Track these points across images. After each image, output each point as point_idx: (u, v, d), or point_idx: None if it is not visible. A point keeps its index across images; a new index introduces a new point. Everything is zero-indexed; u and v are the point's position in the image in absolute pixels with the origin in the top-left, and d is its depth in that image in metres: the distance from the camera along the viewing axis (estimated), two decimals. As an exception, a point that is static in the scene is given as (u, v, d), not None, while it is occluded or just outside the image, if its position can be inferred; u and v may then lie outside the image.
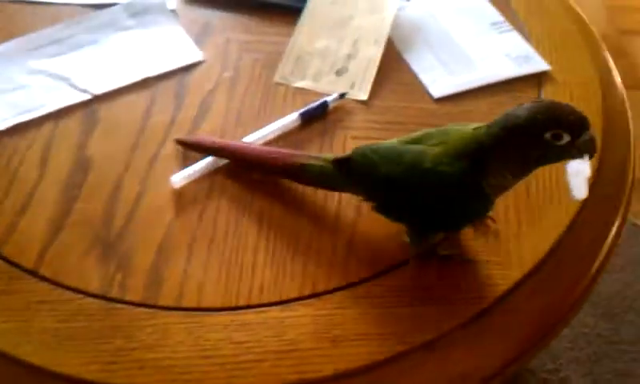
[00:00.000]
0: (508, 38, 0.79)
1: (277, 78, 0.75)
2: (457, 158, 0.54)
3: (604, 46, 0.82)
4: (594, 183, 0.67)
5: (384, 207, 0.59)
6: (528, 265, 0.60)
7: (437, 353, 0.55)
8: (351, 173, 0.59)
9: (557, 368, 1.24)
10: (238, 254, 0.60)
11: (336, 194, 0.64)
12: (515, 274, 0.59)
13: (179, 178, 0.65)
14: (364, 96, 0.73)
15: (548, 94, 0.74)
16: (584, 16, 0.86)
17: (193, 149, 0.67)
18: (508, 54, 0.78)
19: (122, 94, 0.74)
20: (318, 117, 0.71)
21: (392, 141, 0.59)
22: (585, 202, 0.65)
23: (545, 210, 0.64)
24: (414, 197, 0.56)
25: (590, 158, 0.52)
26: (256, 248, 0.61)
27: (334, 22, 0.79)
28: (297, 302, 0.57)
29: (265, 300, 0.57)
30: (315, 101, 0.72)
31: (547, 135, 0.51)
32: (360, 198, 0.61)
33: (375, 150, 0.58)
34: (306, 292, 0.58)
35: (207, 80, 0.75)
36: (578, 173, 0.67)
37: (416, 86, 0.75)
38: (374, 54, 0.76)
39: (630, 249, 1.40)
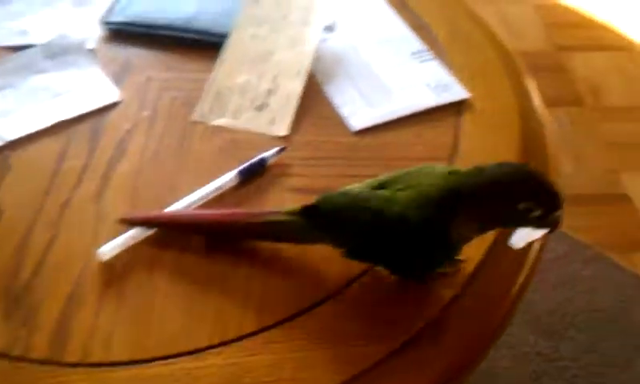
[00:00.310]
0: (428, 68, 0.80)
1: (195, 117, 0.74)
2: (426, 205, 0.54)
3: (526, 73, 0.83)
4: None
5: (354, 252, 0.58)
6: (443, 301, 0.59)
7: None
8: (318, 221, 0.58)
9: (498, 389, 1.25)
10: (149, 304, 0.58)
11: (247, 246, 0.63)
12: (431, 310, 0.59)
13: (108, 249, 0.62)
14: (283, 132, 0.73)
15: (467, 122, 0.75)
16: (506, 45, 0.87)
17: (141, 225, 0.63)
18: (428, 84, 0.78)
19: (36, 138, 0.72)
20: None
21: (359, 185, 0.58)
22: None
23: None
24: (382, 243, 0.56)
25: (551, 232, 0.53)
26: (167, 296, 0.59)
27: (254, 57, 0.79)
28: (207, 351, 0.56)
29: (174, 350, 0.55)
30: (234, 140, 0.71)
31: (521, 206, 0.51)
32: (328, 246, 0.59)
33: (344, 194, 0.58)
34: (216, 340, 0.56)
35: (124, 120, 0.74)
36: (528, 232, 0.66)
37: (336, 119, 0.75)
38: (294, 88, 0.76)
39: (569, 265, 1.42)
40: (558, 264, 1.41)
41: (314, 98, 0.77)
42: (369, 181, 0.58)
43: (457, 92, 0.77)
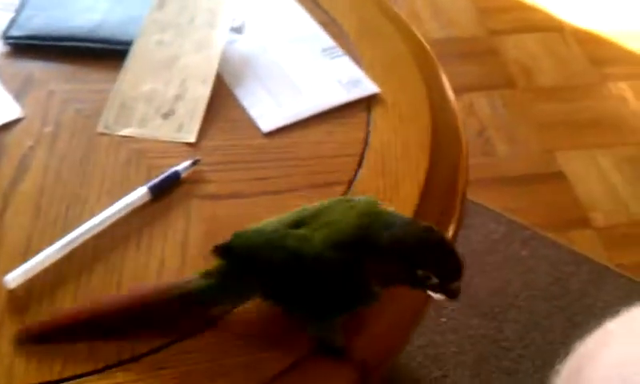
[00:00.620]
0: (339, 64, 0.79)
1: (100, 128, 0.72)
2: (339, 248, 0.53)
3: (438, 64, 0.83)
4: (425, 195, 0.67)
5: (268, 294, 0.56)
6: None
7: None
8: (233, 261, 0.56)
9: (444, 374, 1.26)
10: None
11: (151, 245, 0.62)
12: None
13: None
14: (192, 138, 0.72)
15: (377, 116, 0.75)
16: (419, 35, 0.86)
17: (41, 339, 0.56)
18: (339, 80, 0.78)
19: None
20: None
21: (274, 222, 0.56)
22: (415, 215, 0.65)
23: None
24: (299, 284, 0.54)
25: (451, 298, 0.52)
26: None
27: (160, 64, 0.77)
28: (116, 368, 0.55)
29: (80, 370, 0.54)
30: (142, 150, 0.70)
31: (419, 272, 0.50)
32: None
33: (258, 233, 0.56)
34: (126, 356, 0.55)
35: (26, 137, 0.72)
36: None
37: (245, 122, 0.74)
38: (202, 93, 0.75)
39: (508, 247, 1.43)
40: (497, 246, 1.43)
41: (223, 102, 0.76)
42: (283, 217, 0.56)
43: (367, 87, 0.77)
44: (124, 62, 0.78)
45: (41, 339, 0.56)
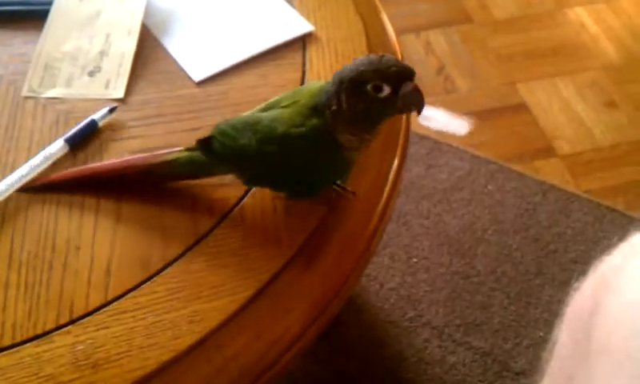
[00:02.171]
0: (270, 5, 0.77)
1: (24, 92, 0.69)
2: (307, 116, 0.54)
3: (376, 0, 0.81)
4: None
5: (252, 179, 0.58)
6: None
7: (212, 347, 0.53)
8: (214, 151, 0.57)
9: (419, 314, 1.25)
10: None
11: (91, 213, 0.60)
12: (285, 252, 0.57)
13: None
14: (120, 94, 0.69)
15: (312, 54, 0.72)
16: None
17: (45, 188, 0.62)
18: (271, 21, 0.75)
19: None
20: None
21: (248, 112, 0.58)
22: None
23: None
24: (275, 163, 0.55)
25: (418, 111, 0.52)
26: (6, 284, 0.56)
27: (82, 21, 0.74)
28: (54, 333, 0.53)
29: (18, 338, 0.53)
30: (69, 110, 0.67)
31: (368, 87, 0.51)
32: (232, 177, 0.59)
33: (233, 125, 0.57)
34: (63, 320, 0.54)
35: (-52, 107, 0.69)
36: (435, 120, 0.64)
37: (176, 73, 0.71)
38: (127, 46, 0.72)
39: (474, 182, 1.42)
40: (463, 183, 1.42)
41: (151, 54, 0.73)
42: (258, 106, 0.58)
43: (300, 26, 0.74)
44: (45, 22, 0.75)
45: (42, 189, 0.62)
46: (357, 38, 0.74)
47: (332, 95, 0.53)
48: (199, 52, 0.72)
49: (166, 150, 0.61)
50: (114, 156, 0.64)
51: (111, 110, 0.67)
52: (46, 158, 0.63)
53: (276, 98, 0.57)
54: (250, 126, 0.56)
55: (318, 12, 0.76)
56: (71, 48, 0.72)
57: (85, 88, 0.69)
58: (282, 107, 0.56)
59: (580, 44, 1.66)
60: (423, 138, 1.47)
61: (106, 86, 0.69)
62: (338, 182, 0.61)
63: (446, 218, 1.37)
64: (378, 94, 0.51)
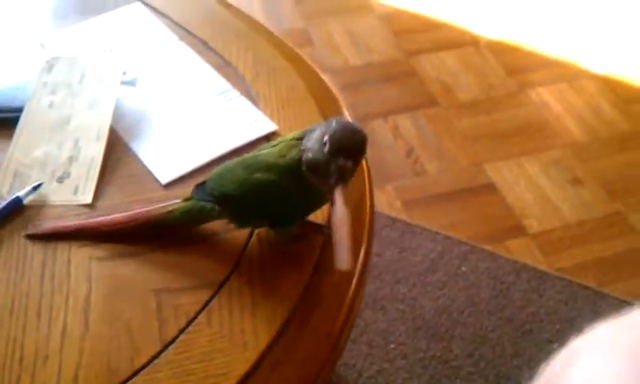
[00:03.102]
0: (235, 105, 0.79)
1: (-5, 201, 0.70)
2: (291, 147, 0.60)
3: (334, 92, 0.83)
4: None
5: (241, 214, 0.64)
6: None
7: None
8: (208, 195, 0.64)
9: (397, 401, 1.24)
10: None
11: (59, 319, 0.60)
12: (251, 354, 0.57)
13: None
14: (88, 199, 0.70)
15: (278, 154, 0.74)
16: (314, 66, 0.86)
17: (49, 238, 0.66)
18: (236, 122, 0.77)
19: None
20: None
21: (233, 164, 0.65)
22: (323, 249, 0.65)
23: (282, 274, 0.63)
24: (261, 189, 0.61)
25: (343, 182, 0.56)
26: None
27: (52, 126, 0.76)
28: None
29: None
30: (36, 216, 0.68)
31: (325, 139, 0.57)
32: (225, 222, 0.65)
33: (226, 166, 0.64)
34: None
35: None
36: (339, 243, 0.65)
37: (144, 176, 0.73)
38: (95, 151, 0.73)
39: (447, 264, 1.43)
40: (437, 265, 1.43)
41: (120, 158, 0.74)
42: (240, 160, 0.64)
43: (264, 126, 0.76)
44: (15, 128, 0.76)
45: (46, 237, 0.67)
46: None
47: (310, 140, 0.59)
48: (166, 154, 0.74)
49: (163, 203, 0.66)
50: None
51: (35, 188, 0.69)
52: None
53: (253, 155, 0.64)
54: (242, 161, 0.63)
55: (282, 111, 0.78)
56: (41, 154, 0.73)
57: (54, 194, 0.70)
58: (272, 147, 0.62)
59: (543, 123, 1.71)
60: (395, 220, 1.49)
61: (75, 192, 0.70)
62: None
63: (422, 301, 1.38)
64: (323, 149, 0.57)
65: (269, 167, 0.61)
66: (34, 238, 0.67)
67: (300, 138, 0.61)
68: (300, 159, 0.59)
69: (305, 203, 0.63)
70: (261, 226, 0.66)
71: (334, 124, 0.58)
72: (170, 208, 0.66)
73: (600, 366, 0.29)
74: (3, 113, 0.78)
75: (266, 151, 0.63)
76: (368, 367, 1.27)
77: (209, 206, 0.64)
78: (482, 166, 1.60)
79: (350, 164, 0.56)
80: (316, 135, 0.58)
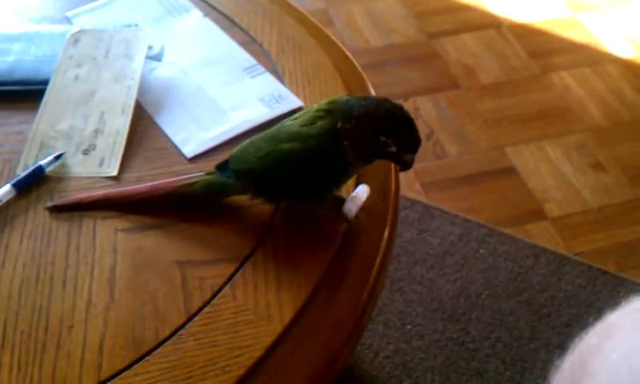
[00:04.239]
0: (260, 81, 0.79)
1: (20, 170, 0.70)
2: (319, 117, 0.60)
3: (360, 70, 0.83)
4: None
5: (269, 195, 0.64)
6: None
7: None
8: (231, 172, 0.64)
9: (414, 382, 1.24)
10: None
11: (84, 290, 0.60)
12: (276, 326, 0.57)
13: None
14: (114, 171, 0.70)
15: (303, 130, 0.74)
16: (339, 44, 0.86)
17: (73, 209, 0.67)
18: (261, 98, 0.77)
19: None
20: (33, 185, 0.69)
21: (256, 140, 0.64)
22: (350, 227, 0.65)
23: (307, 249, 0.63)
24: (286, 157, 0.61)
25: (403, 169, 0.60)
26: (-4, 365, 0.56)
27: (77, 99, 0.76)
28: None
29: None
30: (63, 188, 0.68)
31: (382, 138, 0.57)
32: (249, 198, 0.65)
33: (250, 141, 0.64)
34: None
35: (-57, 187, 0.70)
36: (355, 197, 0.66)
37: (169, 150, 0.73)
38: (121, 124, 0.73)
39: (466, 246, 1.43)
40: (455, 247, 1.42)
41: (145, 132, 0.75)
42: (265, 134, 0.64)
43: (290, 101, 0.76)
44: (41, 101, 0.76)
45: (71, 208, 0.67)
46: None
47: (352, 118, 0.59)
48: (191, 128, 0.74)
49: (187, 175, 0.66)
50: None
51: (57, 157, 0.70)
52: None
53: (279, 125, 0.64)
54: (264, 135, 0.63)
55: (307, 88, 0.78)
56: (66, 127, 0.73)
57: (80, 166, 0.70)
58: (294, 119, 0.63)
59: (566, 107, 1.69)
60: (414, 202, 1.48)
61: (100, 164, 0.70)
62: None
63: (440, 283, 1.37)
64: (387, 148, 0.58)
65: (294, 136, 0.61)
66: (57, 209, 0.67)
67: (327, 110, 0.60)
68: (333, 130, 0.59)
69: (333, 174, 0.62)
70: (287, 199, 0.65)
71: (386, 115, 0.58)
72: (192, 180, 0.66)
73: (638, 342, 0.29)
74: (29, 85, 0.78)
75: (289, 123, 0.63)
76: (384, 347, 1.28)
77: (231, 181, 0.64)
78: (503, 149, 1.59)
79: (414, 156, 0.59)
80: (360, 117, 0.58)
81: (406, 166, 0.59)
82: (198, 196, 0.66)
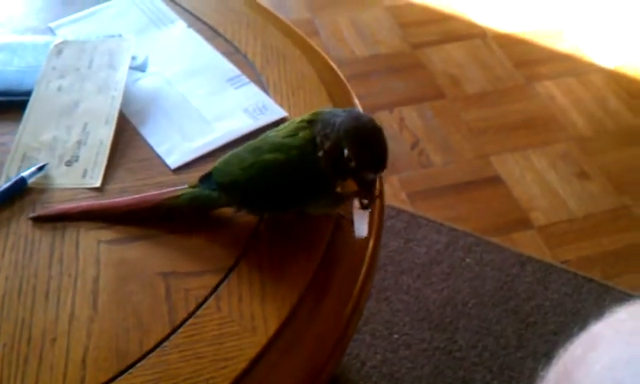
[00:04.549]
0: (244, 92, 0.79)
1: (2, 182, 0.70)
2: (301, 128, 0.60)
3: (345, 81, 0.83)
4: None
5: (253, 206, 0.64)
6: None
7: None
8: (215, 184, 0.63)
9: (401, 392, 1.24)
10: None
11: (67, 302, 0.60)
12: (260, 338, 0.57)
13: None
14: (97, 183, 0.70)
15: (287, 140, 0.74)
16: (324, 55, 0.86)
17: (55, 219, 0.67)
18: (245, 109, 0.77)
19: None
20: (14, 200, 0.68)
21: (239, 151, 0.64)
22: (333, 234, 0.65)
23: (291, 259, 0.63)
24: (269, 167, 0.60)
25: (366, 196, 0.59)
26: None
27: (61, 110, 0.75)
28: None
29: None
30: (45, 200, 0.68)
31: (346, 153, 0.56)
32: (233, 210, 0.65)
33: (233, 153, 0.64)
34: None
35: None
36: (362, 215, 0.67)
37: (153, 160, 0.72)
38: (104, 135, 0.73)
39: (452, 255, 1.43)
40: (442, 256, 1.43)
41: (129, 143, 0.74)
42: (247, 145, 0.64)
43: (274, 112, 0.76)
44: (24, 112, 0.76)
45: (54, 219, 0.66)
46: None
47: (326, 128, 0.58)
48: (175, 139, 0.74)
49: (172, 188, 0.66)
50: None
51: (40, 168, 0.69)
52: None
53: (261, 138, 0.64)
54: (248, 146, 0.63)
55: (292, 98, 0.78)
56: (49, 138, 0.73)
57: (63, 178, 0.70)
58: (278, 130, 0.62)
59: (550, 117, 1.70)
60: (400, 211, 1.49)
61: (84, 175, 0.70)
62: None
63: (426, 293, 1.37)
64: (348, 163, 0.56)
65: (277, 147, 0.60)
66: (40, 220, 0.66)
67: (310, 121, 0.60)
68: (314, 141, 0.59)
69: (315, 185, 0.61)
70: (271, 210, 0.65)
71: (352, 128, 0.56)
72: (177, 193, 0.66)
73: (621, 354, 0.29)
74: (12, 96, 0.77)
75: (273, 134, 0.62)
76: (371, 357, 1.27)
77: (215, 194, 0.64)
78: (489, 158, 1.59)
79: (376, 176, 0.58)
80: (333, 129, 0.57)
81: (366, 186, 0.58)
82: (183, 208, 0.66)
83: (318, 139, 0.58)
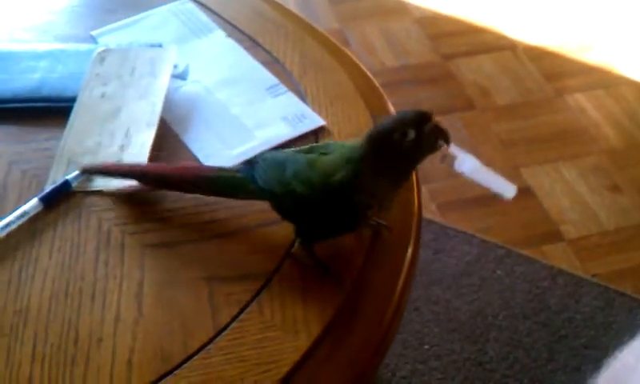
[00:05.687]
0: (283, 101, 0.79)
1: (48, 187, 0.71)
2: (340, 168, 0.59)
3: (381, 90, 0.84)
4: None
5: (281, 210, 0.63)
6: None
7: None
8: (255, 175, 0.63)
9: (431, 403, 1.24)
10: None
11: (113, 304, 0.61)
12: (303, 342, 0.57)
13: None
14: (138, 186, 0.71)
15: (326, 148, 0.74)
16: (361, 64, 0.87)
17: (101, 173, 0.71)
18: (284, 117, 0.77)
19: None
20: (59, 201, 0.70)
21: (292, 150, 0.65)
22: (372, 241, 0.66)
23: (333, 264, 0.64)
24: (299, 201, 0.60)
25: (447, 142, 0.58)
26: (30, 379, 0.57)
27: (104, 116, 0.77)
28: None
29: None
30: (91, 203, 0.69)
31: (395, 136, 0.56)
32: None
33: (275, 156, 0.64)
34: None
35: (-28, 203, 0.71)
36: (475, 170, 0.67)
37: (195, 166, 0.73)
38: (146, 137, 0.74)
39: (483, 267, 1.43)
40: (472, 268, 1.42)
41: (171, 149, 0.75)
42: (303, 147, 0.65)
43: (312, 121, 0.77)
44: (68, 118, 0.77)
45: (101, 172, 0.71)
46: (366, 131, 0.76)
47: (364, 150, 0.58)
48: (216, 146, 0.75)
49: (215, 165, 0.68)
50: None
51: (83, 172, 0.71)
52: (21, 215, 0.67)
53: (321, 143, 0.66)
54: (290, 163, 0.62)
55: (330, 108, 0.79)
56: (93, 143, 0.74)
57: (105, 182, 0.71)
58: (321, 154, 0.62)
59: (581, 129, 1.70)
60: (430, 222, 1.49)
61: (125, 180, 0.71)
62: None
63: (457, 304, 1.37)
64: (405, 139, 0.56)
65: (313, 183, 0.60)
66: (88, 172, 0.71)
67: (346, 157, 0.60)
68: (349, 183, 0.58)
69: (346, 223, 0.62)
70: (299, 234, 0.64)
71: (384, 119, 0.58)
72: (218, 173, 0.66)
73: None
74: (56, 102, 0.79)
75: (317, 156, 0.62)
76: (402, 367, 1.27)
77: (257, 189, 0.63)
78: (519, 170, 1.59)
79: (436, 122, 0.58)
80: (372, 139, 0.58)
81: (436, 134, 0.57)
82: (222, 186, 0.65)
83: (358, 163, 0.58)
